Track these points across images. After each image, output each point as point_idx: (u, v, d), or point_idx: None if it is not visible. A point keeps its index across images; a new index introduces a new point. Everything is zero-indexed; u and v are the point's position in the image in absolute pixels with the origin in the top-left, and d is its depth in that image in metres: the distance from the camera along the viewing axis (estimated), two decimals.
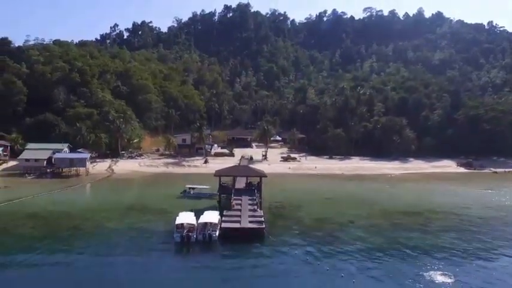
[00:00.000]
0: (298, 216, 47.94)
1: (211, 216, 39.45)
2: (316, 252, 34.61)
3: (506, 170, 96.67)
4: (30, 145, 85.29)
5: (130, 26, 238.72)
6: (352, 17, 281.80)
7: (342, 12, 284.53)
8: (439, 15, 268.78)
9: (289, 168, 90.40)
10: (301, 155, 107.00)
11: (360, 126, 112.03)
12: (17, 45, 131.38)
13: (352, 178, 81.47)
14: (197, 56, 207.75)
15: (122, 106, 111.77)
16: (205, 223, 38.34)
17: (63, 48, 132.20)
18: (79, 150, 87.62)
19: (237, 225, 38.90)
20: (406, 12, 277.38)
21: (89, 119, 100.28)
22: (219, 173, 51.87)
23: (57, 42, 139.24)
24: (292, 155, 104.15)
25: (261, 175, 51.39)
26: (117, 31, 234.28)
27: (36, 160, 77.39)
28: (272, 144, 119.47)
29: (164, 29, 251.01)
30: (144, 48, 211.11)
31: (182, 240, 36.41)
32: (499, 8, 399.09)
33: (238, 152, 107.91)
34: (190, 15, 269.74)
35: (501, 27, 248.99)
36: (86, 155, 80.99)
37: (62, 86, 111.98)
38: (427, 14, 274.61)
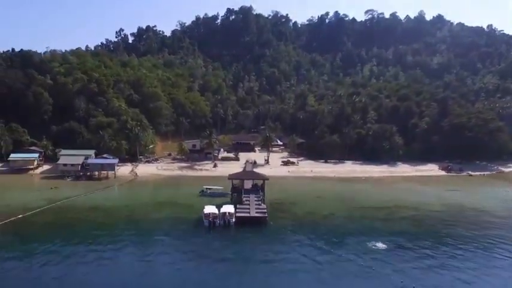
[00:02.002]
0: (293, 209, 66.50)
1: (228, 208, 57.93)
2: (304, 233, 52.89)
3: (482, 173, 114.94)
4: (63, 151, 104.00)
5: (133, 28, 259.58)
6: (353, 19, 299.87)
7: (344, 14, 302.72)
8: (439, 18, 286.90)
9: (289, 171, 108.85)
10: (299, 159, 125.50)
11: (353, 133, 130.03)
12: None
13: (342, 180, 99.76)
14: (201, 61, 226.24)
15: (137, 114, 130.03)
16: (225, 213, 56.77)
17: (80, 60, 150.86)
18: (104, 155, 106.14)
19: (247, 214, 57.49)
20: (408, 15, 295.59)
21: (109, 127, 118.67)
22: (232, 177, 70.46)
23: (74, 53, 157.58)
24: (292, 159, 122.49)
25: (264, 178, 69.84)
26: (122, 35, 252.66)
27: (72, 165, 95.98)
28: (274, 149, 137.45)
29: (168, 32, 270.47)
30: (149, 53, 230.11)
31: (209, 224, 55.00)
32: (500, 10, 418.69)
33: (243, 156, 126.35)
34: (193, 18, 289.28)
35: (500, 30, 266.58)
36: (115, 160, 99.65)
37: (82, 96, 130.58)
38: (428, 17, 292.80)
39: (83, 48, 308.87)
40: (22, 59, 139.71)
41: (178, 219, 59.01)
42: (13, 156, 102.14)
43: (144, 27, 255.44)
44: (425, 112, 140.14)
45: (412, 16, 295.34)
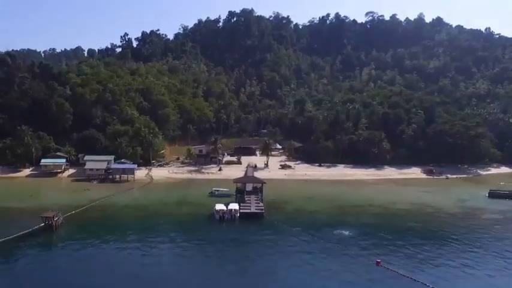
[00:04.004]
0: (285, 207, 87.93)
1: (234, 206, 79.17)
2: (291, 224, 73.77)
3: (458, 176, 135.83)
4: (87, 157, 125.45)
5: (134, 29, 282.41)
6: (354, 21, 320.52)
7: (345, 16, 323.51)
8: (439, 21, 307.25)
9: (285, 174, 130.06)
10: (296, 163, 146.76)
11: (345, 139, 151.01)
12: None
13: (332, 183, 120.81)
14: (204, 66, 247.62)
15: (148, 122, 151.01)
16: (231, 209, 77.95)
17: (94, 70, 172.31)
18: (122, 160, 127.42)
19: (248, 210, 78.86)
20: (407, 17, 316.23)
21: (125, 134, 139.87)
22: (236, 181, 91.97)
23: (88, 64, 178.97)
24: (288, 163, 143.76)
25: (262, 182, 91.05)
26: (126, 39, 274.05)
27: (97, 169, 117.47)
28: (273, 153, 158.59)
29: (170, 35, 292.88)
30: (153, 57, 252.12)
31: (220, 218, 76.30)
32: (499, 12, 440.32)
33: (245, 159, 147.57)
34: (196, 21, 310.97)
35: (497, 34, 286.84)
36: (134, 165, 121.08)
37: (98, 105, 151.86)
38: (428, 19, 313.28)
39: (83, 47, 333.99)
40: (42, 71, 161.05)
41: (195, 215, 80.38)
42: (44, 161, 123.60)
43: (146, 29, 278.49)
44: (413, 119, 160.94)
45: (411, 18, 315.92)
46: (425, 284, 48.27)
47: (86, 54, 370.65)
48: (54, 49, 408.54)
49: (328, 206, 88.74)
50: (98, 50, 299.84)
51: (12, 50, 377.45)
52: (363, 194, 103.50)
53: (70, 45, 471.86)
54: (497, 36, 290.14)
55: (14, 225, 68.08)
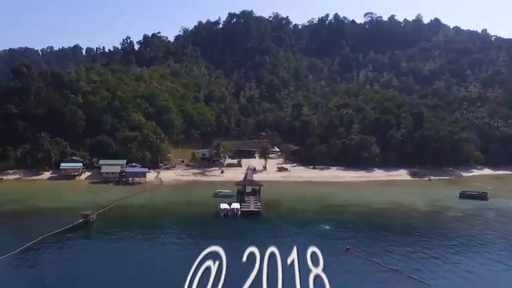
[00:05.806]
0: (279, 206, 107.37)
1: (236, 205, 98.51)
2: (284, 220, 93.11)
3: (441, 177, 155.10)
4: (101, 161, 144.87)
5: (135, 31, 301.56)
6: (353, 22, 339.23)
7: (344, 17, 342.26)
8: (436, 22, 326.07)
9: (282, 176, 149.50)
10: (292, 165, 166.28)
11: (338, 143, 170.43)
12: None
13: (324, 184, 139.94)
14: (205, 69, 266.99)
15: (154, 128, 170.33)
16: (233, 208, 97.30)
17: (102, 77, 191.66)
18: (133, 164, 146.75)
19: (248, 209, 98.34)
20: (405, 19, 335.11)
21: (135, 140, 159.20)
22: (237, 184, 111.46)
23: (96, 72, 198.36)
24: (285, 166, 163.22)
25: (260, 185, 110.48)
26: (128, 42, 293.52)
27: (113, 173, 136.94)
28: (271, 155, 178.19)
29: (171, 37, 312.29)
30: (155, 60, 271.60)
31: (224, 216, 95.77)
32: (498, 12, 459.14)
33: (245, 162, 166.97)
34: (196, 23, 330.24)
35: (493, 35, 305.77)
36: (145, 169, 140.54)
37: (108, 112, 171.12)
38: (426, 20, 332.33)
39: (81, 45, 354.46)
40: (54, 79, 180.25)
41: (202, 213, 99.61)
42: (63, 165, 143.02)
43: (147, 31, 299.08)
44: (402, 124, 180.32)
45: (410, 19, 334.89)
46: (381, 264, 67.75)
47: (84, 53, 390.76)
48: (51, 47, 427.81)
49: (316, 205, 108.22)
50: (97, 48, 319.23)
51: (10, 48, 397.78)
52: (350, 195, 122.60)
53: (68, 44, 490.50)
54: (493, 37, 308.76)
55: (55, 221, 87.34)
